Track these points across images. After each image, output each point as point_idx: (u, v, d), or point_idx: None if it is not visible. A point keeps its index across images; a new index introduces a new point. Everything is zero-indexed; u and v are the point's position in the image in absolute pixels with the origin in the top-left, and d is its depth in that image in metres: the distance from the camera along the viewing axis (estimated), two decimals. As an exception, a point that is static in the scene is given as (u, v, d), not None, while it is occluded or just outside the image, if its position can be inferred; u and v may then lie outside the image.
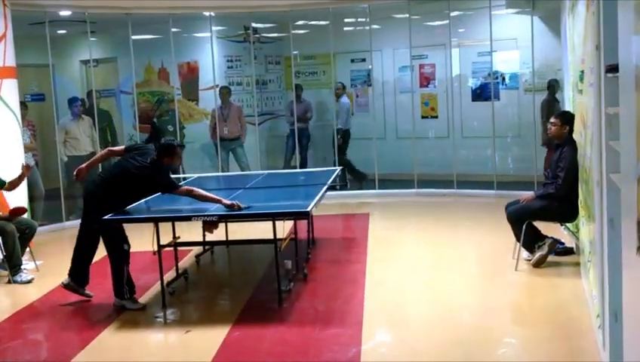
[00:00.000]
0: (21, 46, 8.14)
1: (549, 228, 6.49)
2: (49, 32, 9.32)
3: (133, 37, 10.16)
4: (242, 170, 10.71)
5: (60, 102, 10.18)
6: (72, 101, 10.05)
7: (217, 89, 11.16)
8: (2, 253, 6.74)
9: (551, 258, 6.33)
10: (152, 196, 6.26)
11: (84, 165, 6.15)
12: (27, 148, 8.47)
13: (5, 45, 7.57)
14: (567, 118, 6.28)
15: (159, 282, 5.81)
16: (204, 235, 6.68)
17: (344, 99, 11.48)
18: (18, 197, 7.41)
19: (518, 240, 6.33)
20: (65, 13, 9.82)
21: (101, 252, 7.66)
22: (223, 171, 10.74)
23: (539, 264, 6.26)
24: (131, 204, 5.89)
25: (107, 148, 6.60)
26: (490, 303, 5.60)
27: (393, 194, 10.65)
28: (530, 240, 6.31)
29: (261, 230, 6.03)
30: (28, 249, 7.09)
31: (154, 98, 11.93)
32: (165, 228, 5.87)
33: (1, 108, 7.49)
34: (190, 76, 12.08)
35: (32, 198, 8.51)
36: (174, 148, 5.83)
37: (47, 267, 7.19)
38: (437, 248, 7.47)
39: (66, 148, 9.83)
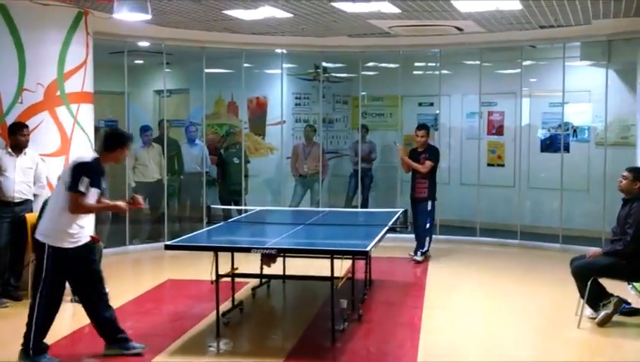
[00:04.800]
0: (99, 73, 8.44)
1: (615, 286, 6.27)
2: (126, 62, 9.66)
3: (207, 70, 10.42)
4: (314, 205, 10.87)
5: (131, 129, 10.46)
6: (143, 129, 10.36)
7: (304, 127, 11.59)
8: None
9: (616, 317, 6.09)
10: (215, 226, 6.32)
11: None
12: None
13: (85, 71, 7.87)
14: None
15: (215, 312, 5.84)
16: (261, 268, 6.71)
17: (198, 141, 11.12)
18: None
19: (582, 296, 6.12)
20: (143, 44, 10.16)
21: (163, 276, 7.70)
22: (294, 206, 10.82)
23: (603, 323, 6.03)
24: None
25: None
26: (549, 359, 5.42)
27: (454, 240, 10.48)
28: (595, 297, 6.10)
29: (318, 267, 6.02)
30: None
31: (222, 130, 12.15)
32: (224, 258, 5.91)
33: (77, 131, 7.73)
34: (258, 111, 12.27)
35: (98, 221, 8.71)
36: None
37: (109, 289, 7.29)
38: (496, 298, 7.29)
39: (134, 174, 10.10)
